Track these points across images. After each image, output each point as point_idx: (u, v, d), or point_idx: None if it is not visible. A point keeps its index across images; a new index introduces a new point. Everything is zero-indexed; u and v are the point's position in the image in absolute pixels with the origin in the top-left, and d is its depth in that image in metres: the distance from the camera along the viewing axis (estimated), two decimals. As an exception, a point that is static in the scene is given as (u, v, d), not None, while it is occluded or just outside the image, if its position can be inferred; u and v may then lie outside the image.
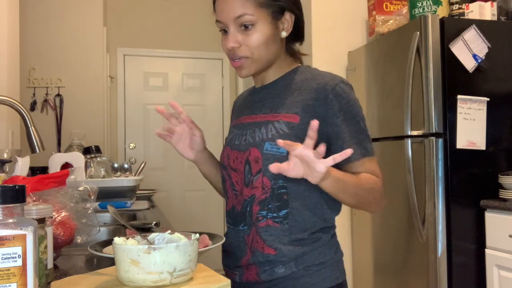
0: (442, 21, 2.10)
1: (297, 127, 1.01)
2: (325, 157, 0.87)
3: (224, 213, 1.23)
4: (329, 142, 1.01)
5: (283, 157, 0.97)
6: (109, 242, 1.02)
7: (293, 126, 1.02)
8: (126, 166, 2.30)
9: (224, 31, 1.09)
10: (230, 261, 1.12)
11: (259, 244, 1.03)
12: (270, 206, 1.02)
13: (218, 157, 1.34)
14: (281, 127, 1.03)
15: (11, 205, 0.59)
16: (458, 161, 2.07)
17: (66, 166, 1.93)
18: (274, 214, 1.01)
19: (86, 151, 2.21)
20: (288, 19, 1.13)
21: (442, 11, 2.22)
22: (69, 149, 2.85)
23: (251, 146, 1.05)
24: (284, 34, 1.11)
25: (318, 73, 1.15)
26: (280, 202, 1.01)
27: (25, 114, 1.43)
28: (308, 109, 1.03)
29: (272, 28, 1.07)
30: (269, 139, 1.02)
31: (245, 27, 1.04)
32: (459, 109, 2.07)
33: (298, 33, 1.21)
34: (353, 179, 0.98)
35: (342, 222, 2.84)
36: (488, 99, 2.11)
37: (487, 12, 2.23)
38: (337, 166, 0.93)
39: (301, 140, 0.88)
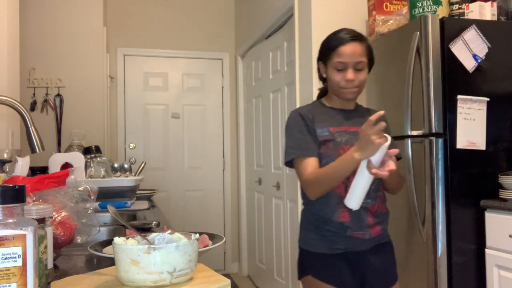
0: (442, 21, 2.10)
1: None
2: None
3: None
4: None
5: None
6: (109, 242, 1.02)
7: None
8: (126, 166, 2.30)
9: (340, 69, 1.56)
10: (357, 226, 1.53)
11: (383, 208, 1.60)
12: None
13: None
14: None
15: (11, 205, 0.59)
16: (458, 161, 2.07)
17: (66, 166, 1.93)
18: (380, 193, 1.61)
19: (86, 151, 2.21)
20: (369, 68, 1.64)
21: (442, 11, 2.23)
22: (69, 149, 2.85)
23: None
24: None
25: (366, 108, 1.76)
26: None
27: (25, 114, 1.43)
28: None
29: (367, 73, 1.61)
30: None
31: (358, 70, 1.56)
32: (459, 109, 2.07)
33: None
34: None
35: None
36: (488, 99, 2.11)
37: (487, 12, 2.23)
38: None
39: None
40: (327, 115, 1.61)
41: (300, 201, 2.98)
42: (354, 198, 1.44)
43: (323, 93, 1.72)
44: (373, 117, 1.35)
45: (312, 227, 1.58)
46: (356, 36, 1.55)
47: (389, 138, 1.38)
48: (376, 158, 1.38)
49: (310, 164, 1.53)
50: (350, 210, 1.49)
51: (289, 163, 1.59)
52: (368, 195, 1.51)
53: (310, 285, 1.58)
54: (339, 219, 1.52)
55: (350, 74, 1.53)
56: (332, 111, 1.63)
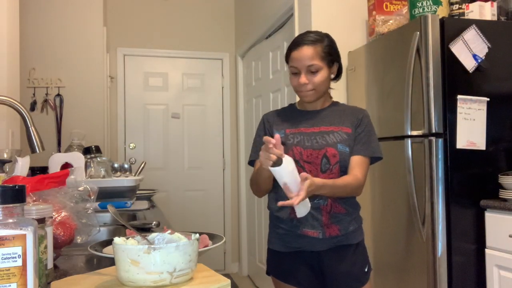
0: (442, 21, 2.10)
1: (351, 134, 1.61)
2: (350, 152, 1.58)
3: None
4: (354, 141, 1.61)
5: (348, 153, 1.57)
6: (109, 242, 1.02)
7: (348, 134, 1.60)
8: (126, 166, 2.30)
9: (295, 74, 1.59)
10: (308, 224, 1.56)
11: (340, 208, 1.57)
12: None
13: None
14: (343, 134, 1.59)
15: (11, 205, 0.59)
16: (458, 161, 2.07)
17: (66, 166, 1.93)
18: None
19: (86, 151, 2.21)
20: (335, 67, 1.65)
21: (442, 11, 2.22)
22: (69, 149, 2.85)
23: (326, 146, 1.56)
24: (332, 76, 1.65)
25: (348, 106, 1.74)
26: None
27: (25, 114, 1.43)
28: (352, 125, 1.63)
29: (328, 73, 1.61)
30: (340, 142, 1.57)
31: (312, 72, 1.57)
32: (459, 109, 2.07)
33: (338, 74, 1.69)
34: (332, 182, 1.49)
35: (342, 222, 2.84)
36: (488, 99, 2.11)
37: (487, 12, 2.23)
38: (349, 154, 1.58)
39: (353, 141, 1.60)
40: (289, 117, 1.68)
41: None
42: (297, 209, 1.49)
43: None
44: (267, 139, 1.36)
45: (272, 225, 1.66)
46: (307, 40, 1.56)
47: (284, 161, 1.38)
48: (286, 180, 1.39)
49: (257, 166, 1.62)
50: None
51: (251, 164, 1.70)
52: (317, 196, 1.52)
53: (273, 282, 1.66)
54: (289, 215, 1.57)
55: (302, 78, 1.57)
56: (297, 113, 1.69)
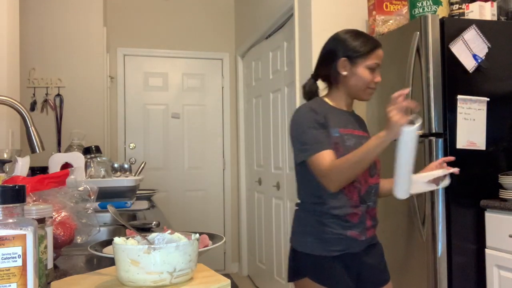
0: (442, 21, 2.10)
1: None
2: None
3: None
4: None
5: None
6: (109, 242, 1.02)
7: None
8: (126, 166, 2.30)
9: (373, 70, 1.58)
10: (360, 227, 1.57)
11: (377, 212, 1.64)
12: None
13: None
14: None
15: (11, 205, 0.59)
16: (458, 161, 2.07)
17: (66, 166, 1.93)
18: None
19: (86, 151, 2.21)
20: None
21: (442, 11, 2.22)
22: (69, 149, 2.85)
23: None
24: None
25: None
26: None
27: (25, 114, 1.43)
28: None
29: None
30: None
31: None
32: (459, 109, 2.07)
33: None
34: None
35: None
36: (488, 99, 2.11)
37: (487, 12, 2.23)
38: None
39: None
40: (335, 115, 1.59)
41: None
42: (402, 186, 1.44)
43: (313, 92, 1.67)
44: (396, 94, 1.35)
45: (310, 229, 1.57)
46: None
47: (419, 120, 1.35)
48: (406, 146, 1.34)
49: (328, 154, 1.47)
50: (360, 212, 1.55)
51: (304, 161, 1.54)
52: (370, 199, 1.57)
53: (308, 285, 1.57)
54: (348, 218, 1.53)
55: (379, 76, 1.60)
56: (338, 112, 1.61)
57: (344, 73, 1.58)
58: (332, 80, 1.62)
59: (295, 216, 1.66)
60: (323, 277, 1.53)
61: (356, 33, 1.61)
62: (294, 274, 1.61)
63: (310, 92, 1.67)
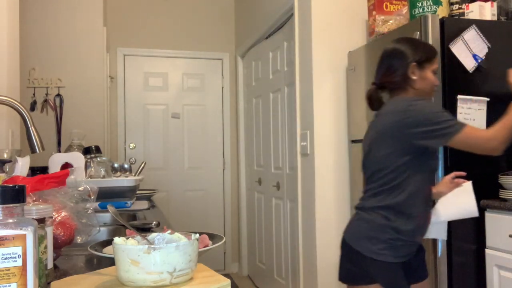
0: (442, 21, 2.10)
1: None
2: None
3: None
4: None
5: None
6: (109, 242, 1.02)
7: None
8: (126, 166, 2.30)
9: (435, 73, 1.71)
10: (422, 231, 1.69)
11: None
12: None
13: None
14: None
15: (11, 205, 0.59)
16: (458, 161, 2.07)
17: (66, 166, 1.93)
18: None
19: (86, 151, 2.21)
20: None
21: (442, 11, 2.22)
22: (69, 149, 2.85)
23: None
24: None
25: None
26: None
27: (25, 114, 1.43)
28: None
29: None
30: None
31: None
32: (459, 109, 2.07)
33: None
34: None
35: (342, 222, 2.84)
36: (488, 99, 2.11)
37: (487, 12, 2.23)
38: None
39: None
40: None
41: (300, 201, 2.99)
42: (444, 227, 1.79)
43: (380, 100, 1.76)
44: None
45: (385, 237, 1.60)
46: None
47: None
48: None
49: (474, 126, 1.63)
50: (427, 217, 1.68)
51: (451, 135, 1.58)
52: (429, 203, 1.70)
53: None
54: (420, 224, 1.64)
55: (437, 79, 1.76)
56: None
57: (414, 77, 1.68)
58: (401, 85, 1.70)
59: (365, 219, 1.65)
60: (393, 283, 1.60)
61: (416, 40, 1.80)
62: (357, 277, 1.64)
63: (377, 101, 1.75)
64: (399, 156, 1.59)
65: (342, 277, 1.70)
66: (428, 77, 1.69)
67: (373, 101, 1.76)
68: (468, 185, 1.78)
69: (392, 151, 1.60)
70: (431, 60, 1.70)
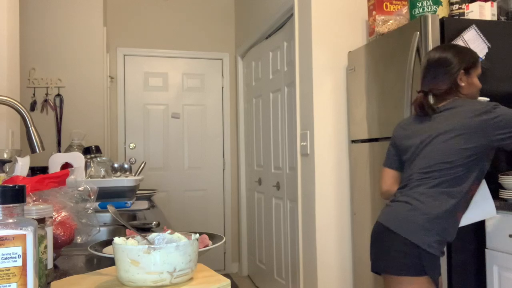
0: (442, 21, 2.10)
1: None
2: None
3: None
4: None
5: None
6: (109, 242, 1.02)
7: None
8: (126, 166, 2.30)
9: (479, 78, 1.81)
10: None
11: None
12: None
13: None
14: None
15: (11, 205, 0.59)
16: (458, 161, 2.07)
17: (66, 166, 1.93)
18: None
19: (86, 151, 2.21)
20: None
21: (442, 11, 2.23)
22: (69, 149, 2.85)
23: None
24: None
25: None
26: None
27: (25, 114, 1.43)
28: None
29: None
30: None
31: None
32: (459, 109, 2.07)
33: None
34: None
35: (342, 222, 2.84)
36: (488, 99, 2.10)
37: (487, 12, 2.23)
38: None
39: None
40: None
41: (300, 201, 2.99)
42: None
43: (432, 105, 1.80)
44: None
45: (443, 231, 1.67)
46: None
47: None
48: None
49: None
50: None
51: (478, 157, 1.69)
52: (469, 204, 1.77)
53: (425, 285, 1.65)
54: (459, 219, 1.73)
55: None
56: None
57: (462, 84, 1.78)
58: (449, 92, 1.78)
59: (421, 210, 1.68)
60: (436, 276, 1.66)
61: (460, 47, 1.84)
62: (415, 269, 1.66)
63: (430, 106, 1.79)
64: (471, 151, 1.67)
65: (382, 268, 1.72)
66: (475, 82, 1.81)
67: (425, 107, 1.80)
68: (482, 184, 1.78)
69: (468, 146, 1.66)
70: (475, 66, 1.81)
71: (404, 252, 1.66)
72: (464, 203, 1.71)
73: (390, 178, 1.92)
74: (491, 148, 1.70)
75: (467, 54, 1.81)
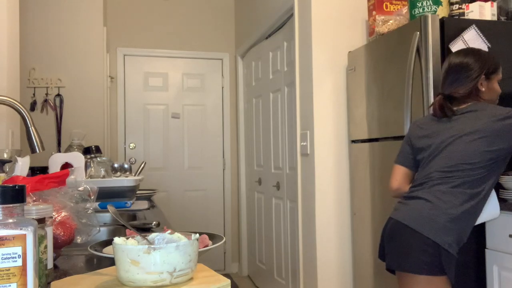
0: (442, 21, 2.10)
1: None
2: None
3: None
4: None
5: None
6: (109, 242, 1.02)
7: None
8: (126, 166, 2.30)
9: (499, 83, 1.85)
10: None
11: None
12: None
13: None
14: None
15: (11, 205, 0.59)
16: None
17: (66, 166, 1.93)
18: None
19: (86, 151, 2.21)
20: None
21: (442, 11, 2.23)
22: (69, 149, 2.85)
23: None
24: None
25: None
26: None
27: (25, 114, 1.43)
28: None
29: None
30: None
31: None
32: (459, 109, 2.07)
33: None
34: None
35: (342, 222, 2.84)
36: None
37: (487, 12, 2.23)
38: None
39: None
40: None
41: (300, 201, 2.99)
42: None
43: (447, 104, 1.81)
44: None
45: (462, 231, 1.69)
46: None
47: None
48: None
49: None
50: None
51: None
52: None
53: (442, 285, 1.65)
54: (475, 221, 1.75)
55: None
56: None
57: (483, 89, 1.81)
58: (470, 96, 1.80)
59: (442, 209, 1.68)
60: (452, 277, 1.66)
61: (481, 52, 1.86)
62: (434, 268, 1.65)
63: (449, 109, 1.80)
64: (492, 154, 1.68)
65: (401, 266, 1.70)
66: (495, 87, 1.85)
67: (445, 109, 1.81)
68: None
69: (491, 149, 1.68)
70: (496, 71, 1.84)
71: (425, 251, 1.64)
72: (481, 206, 1.72)
73: (401, 176, 1.90)
74: (510, 153, 1.71)
75: (489, 59, 1.83)
